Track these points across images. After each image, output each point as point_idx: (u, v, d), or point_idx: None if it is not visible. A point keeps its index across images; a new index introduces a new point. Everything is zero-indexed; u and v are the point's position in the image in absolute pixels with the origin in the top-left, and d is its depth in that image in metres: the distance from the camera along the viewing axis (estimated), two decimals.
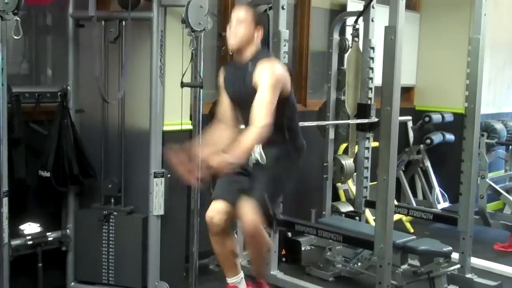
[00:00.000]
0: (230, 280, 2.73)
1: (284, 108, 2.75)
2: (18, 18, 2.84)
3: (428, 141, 5.83)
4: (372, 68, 4.59)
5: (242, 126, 2.95)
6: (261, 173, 2.74)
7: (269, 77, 2.62)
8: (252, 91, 2.68)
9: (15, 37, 2.95)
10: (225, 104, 3.01)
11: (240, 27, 2.74)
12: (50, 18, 3.91)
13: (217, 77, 3.16)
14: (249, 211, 2.64)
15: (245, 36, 2.75)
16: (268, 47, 4.18)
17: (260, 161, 2.74)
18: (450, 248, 3.85)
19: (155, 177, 3.51)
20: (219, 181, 2.89)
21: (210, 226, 2.75)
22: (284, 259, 4.50)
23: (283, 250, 4.50)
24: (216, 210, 2.79)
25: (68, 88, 3.60)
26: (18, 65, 3.80)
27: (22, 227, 3.42)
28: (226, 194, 2.79)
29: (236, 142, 2.62)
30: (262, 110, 2.58)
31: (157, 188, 3.52)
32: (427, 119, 5.87)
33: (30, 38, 3.81)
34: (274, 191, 2.80)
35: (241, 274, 2.78)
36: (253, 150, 2.74)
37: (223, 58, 4.64)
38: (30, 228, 3.45)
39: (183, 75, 3.55)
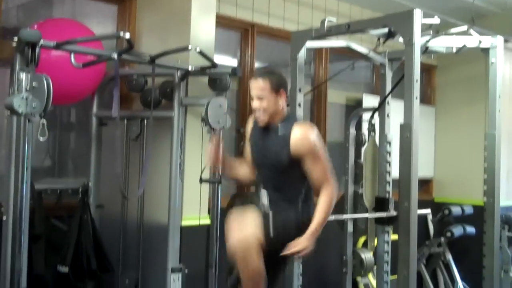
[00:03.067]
0: None
1: (304, 178, 2.76)
2: (44, 121, 2.91)
3: (448, 234, 5.75)
4: (389, 162, 4.62)
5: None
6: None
7: (316, 147, 2.68)
8: (286, 158, 2.69)
9: (42, 138, 3.03)
10: (248, 154, 3.03)
11: (262, 101, 2.73)
12: (74, 116, 4.05)
13: (246, 124, 3.13)
14: None
15: (271, 107, 2.74)
16: None
17: (264, 208, 2.73)
18: None
19: (172, 272, 3.50)
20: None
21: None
22: None
23: None
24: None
25: (89, 184, 3.68)
26: (42, 161, 3.90)
27: None
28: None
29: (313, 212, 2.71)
30: (325, 173, 2.69)
31: (174, 284, 3.50)
32: (446, 211, 5.83)
33: (54, 135, 3.94)
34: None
35: None
36: (261, 194, 2.77)
37: (241, 153, 4.73)
38: None
39: (202, 171, 3.62)
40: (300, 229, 2.74)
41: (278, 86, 2.77)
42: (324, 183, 2.71)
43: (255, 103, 2.78)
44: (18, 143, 2.89)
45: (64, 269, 3.44)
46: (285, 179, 2.78)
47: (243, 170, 3.01)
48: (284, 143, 2.73)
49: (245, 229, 2.66)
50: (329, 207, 2.66)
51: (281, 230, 2.73)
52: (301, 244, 2.66)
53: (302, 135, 2.70)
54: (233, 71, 3.65)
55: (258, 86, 2.75)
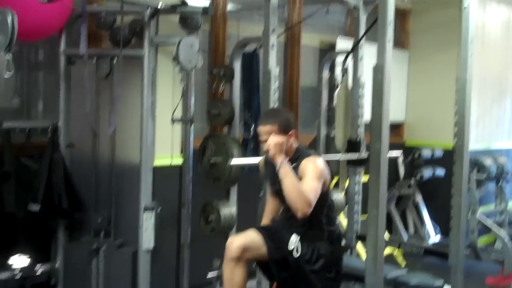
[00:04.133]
0: None
1: (322, 204, 2.75)
2: (10, 57, 2.85)
3: (418, 175, 5.86)
4: (361, 105, 4.64)
5: None
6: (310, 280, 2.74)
7: (314, 169, 2.64)
8: None
9: (7, 74, 2.97)
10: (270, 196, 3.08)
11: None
12: (42, 54, 3.97)
13: (259, 168, 3.19)
14: None
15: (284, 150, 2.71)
16: (258, 84, 4.26)
17: (294, 252, 2.74)
18: (442, 281, 3.85)
19: (145, 210, 3.51)
20: (270, 226, 2.90)
21: (228, 249, 2.67)
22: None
23: (274, 284, 4.46)
24: (245, 237, 2.74)
25: (59, 123, 3.64)
26: (9, 100, 3.84)
27: (11, 259, 3.42)
28: (266, 235, 2.76)
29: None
30: (311, 194, 2.58)
31: (147, 223, 3.52)
32: (417, 154, 5.92)
33: (21, 73, 3.86)
34: None
35: None
36: (291, 240, 2.76)
37: (213, 94, 4.70)
38: (19, 260, 3.44)
39: (173, 111, 3.60)
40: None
41: (286, 128, 2.76)
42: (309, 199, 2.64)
43: (265, 146, 2.75)
44: None
45: (35, 207, 3.44)
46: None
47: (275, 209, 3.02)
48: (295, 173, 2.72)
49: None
50: (293, 191, 2.57)
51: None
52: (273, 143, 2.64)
53: (307, 161, 2.72)
54: (205, 10, 3.59)
55: (266, 131, 2.75)
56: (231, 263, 2.66)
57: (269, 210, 3.09)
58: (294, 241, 2.74)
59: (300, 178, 2.67)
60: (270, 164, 2.89)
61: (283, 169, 2.58)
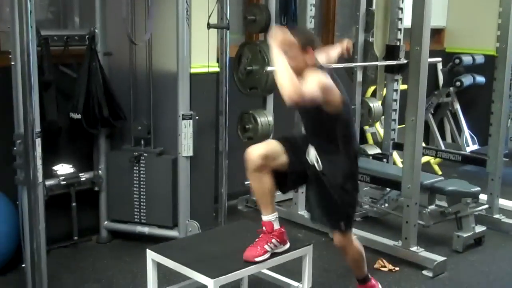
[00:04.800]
0: (265, 218, 2.71)
1: (335, 125, 2.68)
2: None
3: (458, 83, 5.73)
4: (401, 9, 4.50)
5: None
6: (328, 192, 2.72)
7: (312, 78, 2.50)
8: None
9: None
10: None
11: (289, 60, 2.55)
12: None
13: None
14: (336, 239, 2.83)
15: (297, 66, 2.60)
16: None
17: (316, 166, 2.71)
18: (478, 188, 3.86)
19: (183, 119, 3.54)
20: (291, 138, 2.88)
21: (248, 159, 2.64)
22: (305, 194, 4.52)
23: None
24: (265, 146, 2.71)
25: (96, 31, 3.62)
26: (46, 9, 3.81)
27: (55, 167, 3.53)
28: (286, 145, 2.74)
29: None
30: (305, 85, 2.46)
31: (186, 130, 3.55)
32: (457, 61, 5.75)
33: None
34: (347, 210, 2.81)
35: (276, 214, 2.75)
36: (308, 152, 2.75)
37: (249, 0, 4.59)
38: (63, 169, 3.55)
39: (209, 17, 3.53)
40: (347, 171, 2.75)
41: (304, 45, 2.63)
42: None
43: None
44: None
45: (77, 116, 3.49)
46: (318, 125, 2.73)
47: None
48: None
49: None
50: (284, 77, 2.44)
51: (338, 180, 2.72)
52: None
53: (311, 73, 2.58)
54: None
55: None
56: (255, 173, 2.66)
57: None
58: (313, 154, 2.73)
59: None
60: None
61: (275, 52, 2.50)
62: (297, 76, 2.51)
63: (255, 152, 2.65)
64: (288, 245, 2.75)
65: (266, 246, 2.63)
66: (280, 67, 2.47)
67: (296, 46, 2.63)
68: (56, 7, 3.89)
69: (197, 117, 3.59)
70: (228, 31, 3.64)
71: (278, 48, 2.52)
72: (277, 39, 2.55)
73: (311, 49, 2.66)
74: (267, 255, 2.62)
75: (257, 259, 2.59)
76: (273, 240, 2.66)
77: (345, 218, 2.80)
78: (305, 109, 2.63)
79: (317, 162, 2.72)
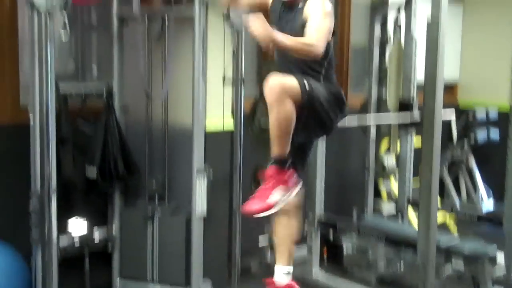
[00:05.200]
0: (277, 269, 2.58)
1: (323, 57, 2.58)
2: (66, 18, 2.83)
3: (472, 138, 5.70)
4: (414, 63, 4.51)
5: None
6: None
7: (322, 7, 2.48)
8: (300, 28, 2.52)
9: (63, 36, 2.95)
10: None
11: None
12: (95, 16, 3.95)
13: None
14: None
15: None
16: None
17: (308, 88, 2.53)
18: (495, 249, 3.78)
19: (198, 173, 3.52)
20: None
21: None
22: (325, 260, 4.46)
23: (324, 250, 4.47)
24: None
25: (113, 86, 3.65)
26: (65, 64, 3.85)
27: (69, 221, 3.49)
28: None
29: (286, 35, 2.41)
30: (318, 33, 2.42)
31: (200, 186, 3.53)
32: (471, 115, 5.74)
33: (76, 36, 3.86)
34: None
35: (291, 268, 2.62)
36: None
37: (264, 55, 4.63)
38: (77, 223, 3.51)
39: (224, 72, 3.56)
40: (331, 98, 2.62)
41: None
42: (309, 39, 2.44)
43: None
44: (41, 42, 2.84)
45: (92, 172, 3.48)
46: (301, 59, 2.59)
47: None
48: (300, 15, 2.58)
49: (284, 79, 2.48)
50: (296, 46, 2.38)
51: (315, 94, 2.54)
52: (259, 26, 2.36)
53: (315, 2, 2.55)
54: None
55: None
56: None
57: None
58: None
59: (306, 17, 2.53)
60: (278, 5, 2.74)
61: (279, 41, 2.37)
62: None
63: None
64: None
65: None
66: (284, 42, 2.36)
67: None
68: (75, 61, 3.92)
69: (211, 171, 3.57)
70: (243, 86, 3.66)
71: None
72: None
73: None
74: None
75: None
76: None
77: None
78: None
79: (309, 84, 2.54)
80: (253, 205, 2.41)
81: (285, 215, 2.60)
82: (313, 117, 2.58)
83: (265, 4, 2.80)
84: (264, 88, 2.46)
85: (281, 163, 2.50)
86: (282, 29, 2.57)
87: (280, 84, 2.42)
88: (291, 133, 2.50)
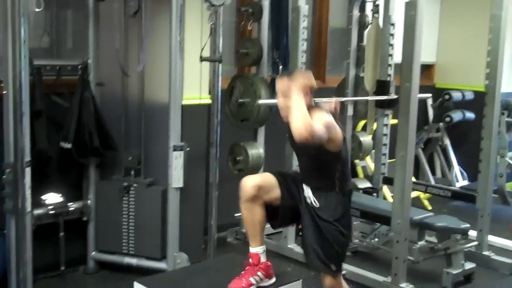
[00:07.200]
0: (252, 250, 2.71)
1: (336, 162, 2.71)
2: None
3: (447, 119, 5.78)
4: (392, 45, 4.55)
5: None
6: (322, 230, 2.72)
7: (320, 117, 2.56)
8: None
9: (37, 9, 2.96)
10: None
11: (287, 100, 2.61)
12: None
13: None
14: (327, 281, 2.76)
15: None
16: (287, 23, 4.18)
17: (313, 203, 2.72)
18: (468, 225, 3.86)
19: (174, 150, 3.54)
20: (288, 174, 2.92)
21: (243, 188, 2.68)
22: (300, 233, 4.51)
23: (299, 224, 4.51)
24: (260, 177, 2.76)
25: (89, 61, 3.64)
26: (39, 39, 3.84)
27: (44, 197, 3.50)
28: (280, 179, 2.76)
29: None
30: (312, 123, 2.47)
31: (177, 161, 3.55)
32: (447, 96, 5.82)
33: (50, 11, 3.84)
34: (339, 249, 2.77)
35: (264, 247, 2.75)
36: (303, 190, 2.77)
37: (242, 33, 4.64)
38: (52, 198, 3.52)
39: (202, 50, 3.56)
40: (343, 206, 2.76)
41: (305, 86, 2.66)
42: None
43: (279, 101, 2.70)
44: (14, 16, 2.82)
45: (67, 145, 3.48)
46: (317, 163, 2.74)
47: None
48: None
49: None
50: (299, 114, 2.45)
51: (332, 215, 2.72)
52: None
53: (317, 112, 2.62)
54: None
55: (284, 84, 2.67)
56: (248, 203, 2.69)
57: None
58: (308, 192, 2.75)
59: None
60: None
61: (295, 92, 2.53)
62: None
63: (250, 182, 2.68)
64: (274, 279, 2.75)
65: (251, 279, 2.65)
66: (298, 105, 2.48)
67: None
68: (49, 36, 3.91)
69: (188, 148, 3.59)
70: (220, 64, 3.67)
71: (299, 90, 2.55)
72: (299, 83, 2.59)
73: (309, 91, 2.69)
74: None
75: None
76: (259, 273, 2.67)
77: (337, 258, 2.76)
78: (306, 146, 2.62)
79: (313, 199, 2.73)
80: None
81: (251, 201, 2.69)
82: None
83: None
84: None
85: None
86: (294, 144, 2.70)
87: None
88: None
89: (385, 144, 4.69)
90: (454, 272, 3.81)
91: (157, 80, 3.70)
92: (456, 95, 5.83)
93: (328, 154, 2.65)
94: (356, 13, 4.77)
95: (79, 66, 3.58)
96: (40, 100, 3.36)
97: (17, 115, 2.89)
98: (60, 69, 3.61)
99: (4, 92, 2.90)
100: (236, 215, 3.86)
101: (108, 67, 3.72)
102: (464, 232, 3.83)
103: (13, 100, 2.91)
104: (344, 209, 2.76)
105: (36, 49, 3.67)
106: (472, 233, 4.13)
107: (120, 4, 3.64)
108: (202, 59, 3.60)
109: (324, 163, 2.70)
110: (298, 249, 4.12)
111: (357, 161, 5.27)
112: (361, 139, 4.82)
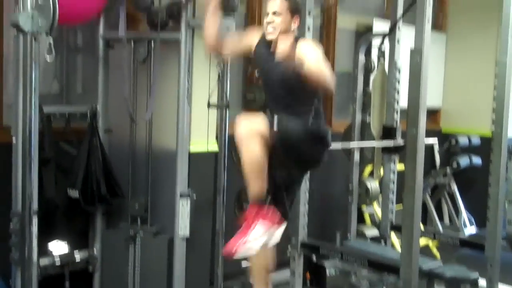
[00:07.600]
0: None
1: (313, 96, 2.70)
2: (51, 40, 2.85)
3: (455, 164, 5.76)
4: (397, 90, 4.56)
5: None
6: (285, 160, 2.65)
7: (317, 52, 2.56)
8: (292, 71, 2.55)
9: (48, 57, 2.97)
10: (242, 42, 2.92)
11: (277, 17, 2.67)
12: (81, 38, 3.97)
13: (252, 31, 2.98)
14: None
15: (283, 26, 2.68)
16: None
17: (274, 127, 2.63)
18: (477, 275, 3.79)
19: (181, 197, 3.52)
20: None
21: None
22: (308, 283, 4.46)
23: (307, 274, 4.46)
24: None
25: (98, 108, 3.65)
26: (49, 85, 3.86)
27: (50, 244, 3.46)
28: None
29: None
30: (328, 71, 2.51)
31: (183, 209, 3.53)
32: (453, 141, 5.81)
33: (61, 58, 3.88)
34: (295, 185, 2.76)
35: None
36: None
37: (249, 80, 4.67)
38: (58, 246, 3.49)
39: (209, 96, 3.58)
40: (309, 137, 2.67)
41: (294, 10, 2.73)
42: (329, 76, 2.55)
43: (269, 18, 2.71)
44: (25, 64, 2.84)
45: (74, 193, 3.47)
46: (293, 96, 2.69)
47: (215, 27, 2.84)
48: (291, 57, 2.58)
49: (253, 121, 2.64)
50: (327, 74, 2.47)
51: (288, 132, 2.62)
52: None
53: (308, 44, 2.65)
54: None
55: (275, 4, 2.70)
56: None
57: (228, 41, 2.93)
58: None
59: (298, 62, 2.53)
60: (264, 42, 2.79)
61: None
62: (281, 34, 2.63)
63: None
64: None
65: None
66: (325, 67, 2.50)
67: (287, 10, 2.69)
68: (59, 82, 3.93)
69: (194, 196, 3.57)
70: (228, 110, 3.68)
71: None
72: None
73: (298, 18, 2.73)
74: None
75: None
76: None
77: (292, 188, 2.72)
78: (295, 78, 2.55)
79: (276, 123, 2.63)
80: (233, 244, 2.53)
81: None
82: (290, 156, 2.65)
83: (249, 47, 2.88)
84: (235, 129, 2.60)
85: (258, 201, 2.61)
86: (269, 72, 2.64)
87: (248, 126, 2.57)
88: (265, 173, 2.62)
89: (392, 190, 4.66)
90: None
91: (165, 126, 3.70)
92: (463, 140, 5.82)
93: (306, 85, 2.54)
94: (361, 58, 4.80)
95: (88, 113, 3.59)
96: (49, 147, 3.36)
97: (26, 162, 2.89)
98: (69, 117, 3.62)
99: (14, 140, 2.89)
100: (243, 266, 3.81)
101: (116, 114, 3.74)
102: (473, 283, 3.76)
103: (22, 148, 2.91)
104: (319, 130, 2.70)
105: (45, 95, 3.69)
106: (482, 283, 4.06)
107: (129, 51, 3.68)
108: (209, 105, 3.61)
109: (305, 88, 2.58)
110: None
111: (364, 206, 5.23)
112: (368, 185, 4.79)
